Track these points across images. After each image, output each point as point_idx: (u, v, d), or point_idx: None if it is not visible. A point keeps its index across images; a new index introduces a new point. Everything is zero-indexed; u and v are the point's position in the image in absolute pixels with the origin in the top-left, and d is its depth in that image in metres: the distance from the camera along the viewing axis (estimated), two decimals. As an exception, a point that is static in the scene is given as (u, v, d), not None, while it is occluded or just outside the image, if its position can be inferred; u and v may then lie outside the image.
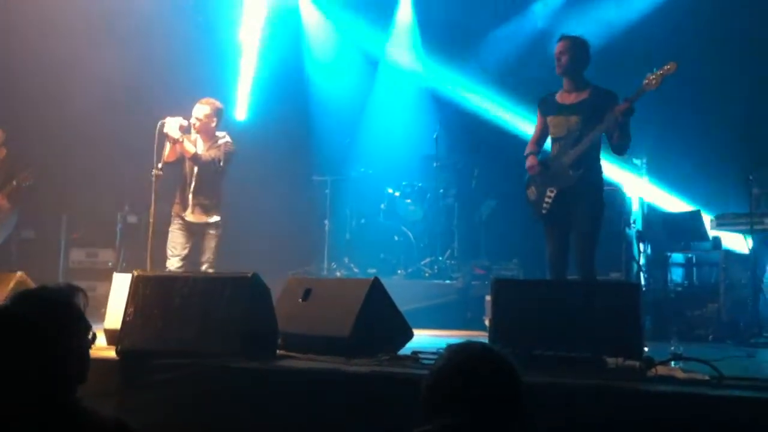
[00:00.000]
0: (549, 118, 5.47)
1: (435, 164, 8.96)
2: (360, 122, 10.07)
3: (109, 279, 5.39)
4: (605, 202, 5.43)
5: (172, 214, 6.55)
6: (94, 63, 8.33)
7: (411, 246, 8.82)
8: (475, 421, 1.98)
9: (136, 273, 4.53)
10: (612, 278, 7.01)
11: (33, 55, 8.44)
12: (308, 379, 3.87)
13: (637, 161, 7.84)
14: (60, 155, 8.85)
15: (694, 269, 7.49)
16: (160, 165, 6.21)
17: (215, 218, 6.54)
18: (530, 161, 5.53)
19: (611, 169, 6.99)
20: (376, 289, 4.54)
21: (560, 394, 3.37)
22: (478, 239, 9.16)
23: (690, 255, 7.49)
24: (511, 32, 9.68)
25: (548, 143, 5.56)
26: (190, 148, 6.35)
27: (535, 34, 9.39)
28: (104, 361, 4.11)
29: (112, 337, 4.63)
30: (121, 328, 4.37)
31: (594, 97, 5.31)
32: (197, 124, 6.47)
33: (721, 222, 7.05)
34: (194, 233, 6.50)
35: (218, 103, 6.65)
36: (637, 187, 7.80)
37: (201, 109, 6.49)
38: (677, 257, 7.47)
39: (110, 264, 8.66)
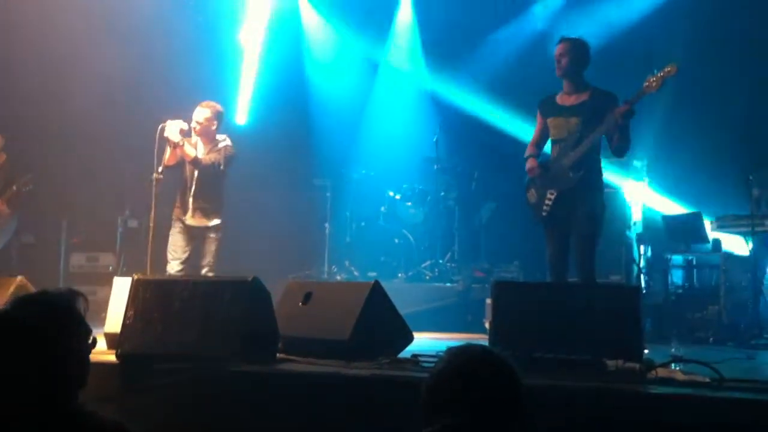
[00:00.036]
0: (549, 120, 5.47)
1: (435, 167, 8.96)
2: (360, 125, 10.08)
3: (110, 283, 5.38)
4: (605, 204, 5.43)
5: (173, 217, 6.55)
6: (95, 62, 8.34)
7: (411, 249, 8.83)
8: (475, 423, 1.98)
9: (136, 277, 4.53)
10: (612, 280, 7.02)
11: (33, 55, 8.45)
12: (308, 382, 3.87)
13: (637, 163, 7.84)
14: (60, 158, 8.87)
15: (695, 271, 7.47)
16: (160, 169, 6.22)
17: (215, 222, 6.54)
18: (530, 163, 5.52)
19: (611, 171, 6.99)
20: (376, 292, 4.54)
21: (560, 397, 3.37)
22: (479, 242, 9.16)
23: (690, 257, 7.48)
24: (511, 34, 9.69)
25: (548, 145, 5.57)
26: (190, 152, 6.36)
27: (535, 36, 9.40)
28: (104, 365, 4.11)
29: (112, 340, 4.63)
30: (121, 331, 4.37)
31: (594, 98, 5.31)
32: (197, 127, 6.47)
33: (721, 224, 7.05)
34: (194, 237, 6.51)
35: (218, 106, 6.65)
36: (637, 189, 7.79)
37: (201, 113, 6.50)
38: (677, 259, 7.46)
39: (111, 268, 8.66)
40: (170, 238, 6.49)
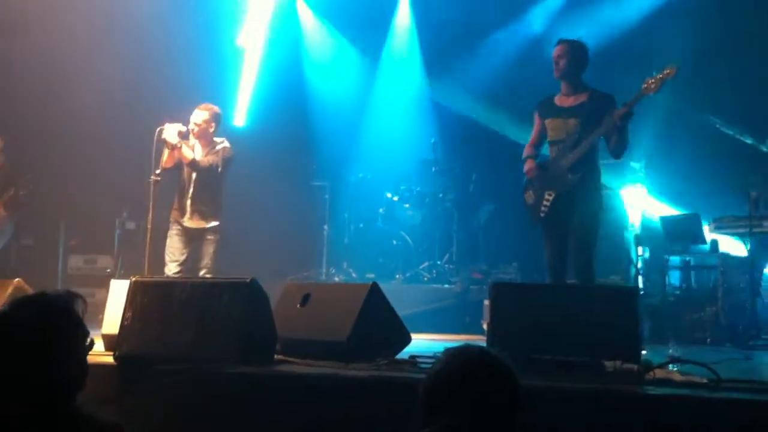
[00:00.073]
0: (547, 121, 5.47)
1: (433, 169, 8.97)
2: (359, 127, 10.09)
3: (108, 285, 5.38)
4: (603, 205, 5.43)
5: (171, 219, 6.54)
6: (95, 63, 8.34)
7: (409, 250, 8.83)
8: (473, 424, 1.98)
9: (134, 279, 4.52)
10: (610, 282, 7.02)
11: (34, 56, 8.44)
12: (306, 384, 3.87)
13: (635, 164, 7.85)
14: (59, 159, 8.86)
15: (692, 272, 7.49)
16: (158, 171, 6.20)
17: (213, 224, 6.53)
18: (528, 164, 5.52)
19: (609, 173, 6.99)
20: (374, 293, 4.54)
21: (558, 398, 3.37)
22: (477, 243, 9.17)
23: (688, 258, 7.49)
24: (509, 36, 9.70)
25: (546, 147, 5.57)
26: (188, 154, 6.35)
27: (533, 38, 9.40)
28: (102, 367, 4.10)
29: (109, 342, 4.62)
30: (119, 333, 4.37)
31: (593, 100, 5.31)
32: (196, 129, 6.46)
33: (719, 225, 7.06)
34: (192, 239, 6.50)
35: (216, 109, 6.64)
36: (635, 190, 7.80)
37: (199, 115, 6.49)
38: (675, 260, 7.47)
39: (108, 270, 8.66)
40: (168, 241, 6.48)
